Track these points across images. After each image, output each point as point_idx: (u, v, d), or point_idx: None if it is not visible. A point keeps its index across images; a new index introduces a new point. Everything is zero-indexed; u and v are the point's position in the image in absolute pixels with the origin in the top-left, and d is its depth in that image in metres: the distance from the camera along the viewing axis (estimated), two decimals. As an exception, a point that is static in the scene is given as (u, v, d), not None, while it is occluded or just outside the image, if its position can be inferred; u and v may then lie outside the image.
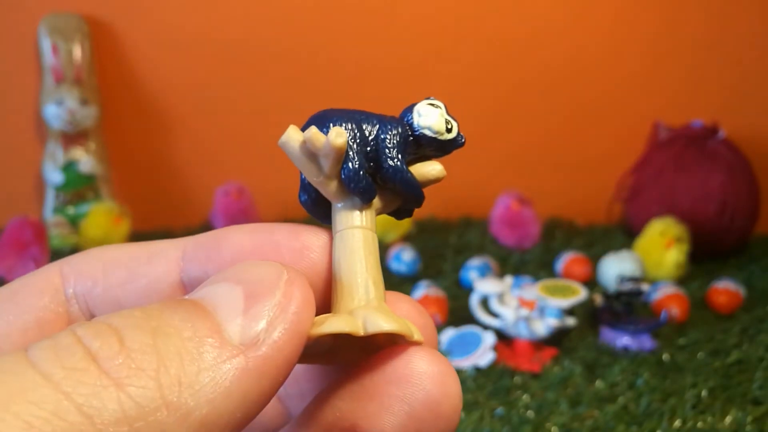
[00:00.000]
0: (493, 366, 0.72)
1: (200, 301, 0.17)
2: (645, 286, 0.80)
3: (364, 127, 0.21)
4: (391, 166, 0.21)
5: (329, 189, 0.21)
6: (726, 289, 0.86)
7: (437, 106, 0.22)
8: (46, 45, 0.98)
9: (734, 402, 0.66)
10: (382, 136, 0.21)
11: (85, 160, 1.00)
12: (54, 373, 0.14)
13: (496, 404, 0.66)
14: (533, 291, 0.75)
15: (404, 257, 0.93)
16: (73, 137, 1.00)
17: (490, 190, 1.07)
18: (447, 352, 0.74)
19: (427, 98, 0.23)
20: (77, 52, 0.99)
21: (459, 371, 0.71)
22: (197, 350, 0.16)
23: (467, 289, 0.87)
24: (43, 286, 0.21)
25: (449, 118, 0.22)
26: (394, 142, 0.21)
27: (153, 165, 1.11)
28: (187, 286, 0.21)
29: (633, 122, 1.12)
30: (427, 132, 0.22)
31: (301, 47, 1.09)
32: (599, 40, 1.13)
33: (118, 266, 0.21)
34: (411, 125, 0.22)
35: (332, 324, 0.19)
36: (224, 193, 1.00)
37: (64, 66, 0.98)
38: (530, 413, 0.64)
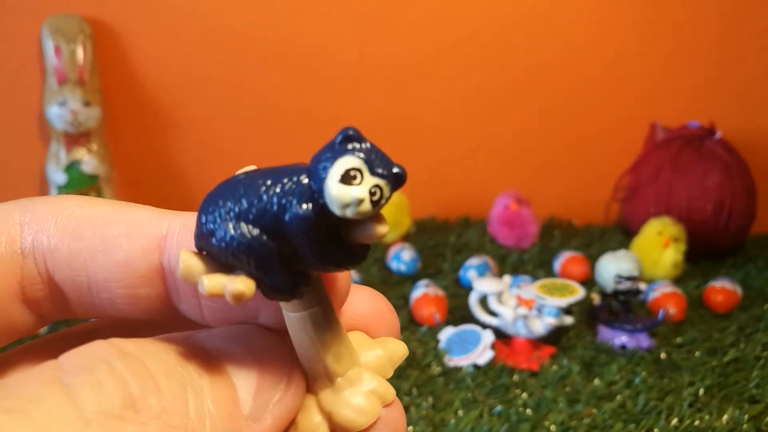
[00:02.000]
0: (491, 364, 0.72)
1: (224, 367, 0.18)
2: (642, 286, 0.80)
3: (257, 192, 0.17)
4: (293, 215, 0.17)
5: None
6: (723, 288, 0.86)
7: (352, 170, 0.17)
8: (49, 46, 0.98)
9: (731, 400, 0.67)
10: (278, 190, 0.17)
11: (88, 160, 1.00)
12: (92, 420, 0.15)
13: (495, 402, 0.66)
14: (531, 290, 0.75)
15: (404, 257, 0.93)
16: (75, 138, 1.00)
17: (488, 191, 1.07)
18: (446, 351, 0.74)
19: (345, 140, 0.17)
20: (80, 53, 0.99)
21: (458, 369, 0.72)
22: (221, 417, 0.17)
23: (466, 288, 0.87)
24: None
25: (372, 186, 0.17)
26: (294, 191, 0.17)
27: (155, 165, 1.11)
28: (167, 272, 0.19)
29: (630, 123, 1.13)
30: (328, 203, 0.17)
31: (303, 48, 1.09)
32: (598, 41, 1.13)
33: (90, 230, 0.19)
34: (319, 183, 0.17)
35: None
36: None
37: (66, 67, 0.98)
38: (528, 411, 0.65)
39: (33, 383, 0.15)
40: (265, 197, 0.17)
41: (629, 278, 0.79)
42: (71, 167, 1.00)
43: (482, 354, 0.73)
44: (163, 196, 1.11)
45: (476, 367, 0.72)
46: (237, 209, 0.17)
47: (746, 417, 0.64)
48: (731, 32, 1.13)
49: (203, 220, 0.18)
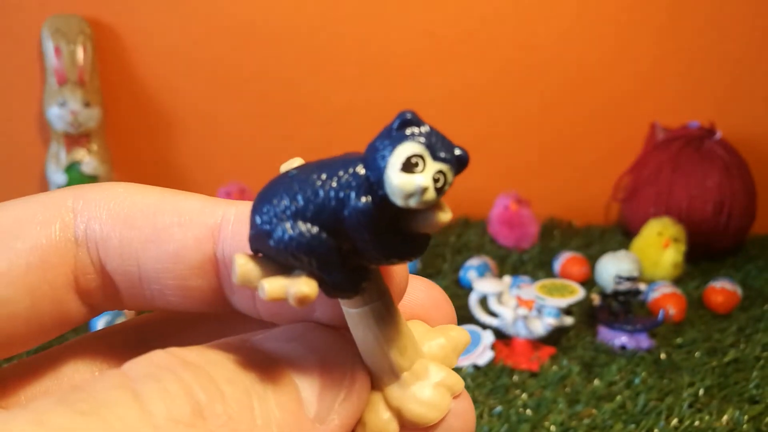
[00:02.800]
0: (491, 365, 0.72)
1: (285, 369, 0.18)
2: (642, 286, 0.80)
3: (313, 188, 0.17)
4: (353, 209, 0.16)
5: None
6: (723, 288, 0.86)
7: (416, 157, 0.16)
8: (49, 47, 0.98)
9: (731, 401, 0.67)
10: (334, 184, 0.16)
11: (88, 161, 1.00)
12: (162, 426, 0.15)
13: (495, 403, 0.66)
14: (531, 291, 0.75)
15: (403, 257, 0.93)
16: (75, 138, 1.00)
17: (488, 191, 1.07)
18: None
19: (407, 126, 0.16)
20: (80, 53, 0.99)
21: (458, 370, 0.72)
22: (287, 422, 0.17)
23: (466, 289, 0.87)
24: (50, 220, 0.18)
25: (439, 174, 0.16)
26: (351, 183, 0.16)
27: (155, 166, 1.11)
28: (221, 264, 0.19)
29: (630, 123, 1.13)
30: (389, 193, 0.16)
31: (302, 49, 1.09)
32: (597, 42, 1.13)
33: (142, 218, 0.19)
34: (378, 171, 0.16)
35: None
36: (226, 193, 1.00)
37: (67, 68, 0.98)
38: (528, 412, 0.65)
39: (103, 388, 0.15)
40: (321, 192, 0.16)
41: (629, 279, 0.79)
42: (71, 168, 1.00)
43: (482, 354, 0.73)
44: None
45: (476, 367, 0.72)
46: (293, 207, 0.16)
47: (746, 417, 0.64)
48: (731, 32, 1.13)
49: (258, 221, 0.17)
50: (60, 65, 0.98)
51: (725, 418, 0.64)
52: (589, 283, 0.91)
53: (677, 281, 0.91)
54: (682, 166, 1.00)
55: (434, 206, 0.17)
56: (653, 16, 1.13)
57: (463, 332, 0.21)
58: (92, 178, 1.01)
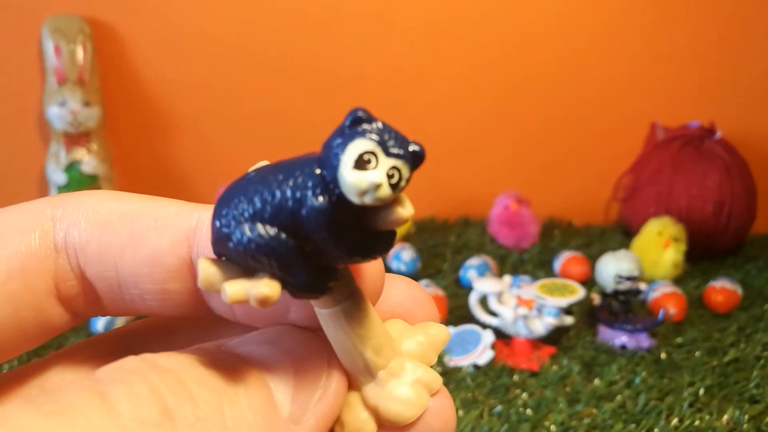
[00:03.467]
0: (491, 364, 0.72)
1: (258, 371, 0.18)
2: (642, 286, 0.80)
3: (269, 189, 0.17)
4: (310, 209, 0.16)
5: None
6: (723, 288, 0.86)
7: (366, 154, 0.16)
8: (49, 46, 0.98)
9: (731, 400, 0.67)
10: (291, 184, 0.16)
11: (88, 160, 1.00)
12: (129, 427, 0.15)
13: (495, 402, 0.66)
14: (531, 290, 0.75)
15: (404, 257, 0.93)
16: (75, 138, 1.00)
17: (488, 191, 1.07)
18: (446, 351, 0.74)
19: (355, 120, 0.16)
20: (80, 53, 0.99)
21: (458, 369, 0.71)
22: (259, 423, 0.17)
23: (466, 289, 0.87)
24: (30, 227, 0.19)
25: (392, 169, 0.16)
26: (307, 183, 0.16)
27: (155, 165, 1.11)
28: (196, 266, 0.19)
29: (630, 123, 1.13)
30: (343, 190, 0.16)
31: (302, 48, 1.09)
32: (597, 40, 1.13)
33: (119, 224, 0.19)
34: (332, 170, 0.16)
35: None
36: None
37: (66, 67, 0.98)
38: (528, 411, 0.65)
39: (71, 391, 0.15)
40: (278, 193, 0.16)
41: (629, 278, 0.79)
42: (71, 167, 1.00)
43: (482, 354, 0.73)
44: (163, 196, 1.11)
45: (476, 367, 0.72)
46: (251, 209, 0.16)
47: (746, 417, 0.64)
48: (731, 32, 1.13)
49: (217, 224, 0.17)
50: (60, 65, 0.98)
51: (725, 417, 0.64)
52: (589, 282, 0.91)
53: (677, 281, 0.91)
54: (683, 165, 1.00)
55: (394, 202, 0.17)
56: (653, 14, 1.13)
57: (442, 329, 0.21)
58: (92, 178, 1.01)
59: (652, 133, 1.07)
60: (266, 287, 0.16)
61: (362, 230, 0.17)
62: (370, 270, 0.20)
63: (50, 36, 0.98)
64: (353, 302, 0.18)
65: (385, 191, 0.16)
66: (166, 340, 0.22)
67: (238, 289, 0.16)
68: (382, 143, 0.16)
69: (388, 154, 0.16)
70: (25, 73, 1.02)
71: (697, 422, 0.63)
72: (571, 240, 1.06)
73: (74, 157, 1.00)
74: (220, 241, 0.17)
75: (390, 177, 0.16)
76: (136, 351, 0.19)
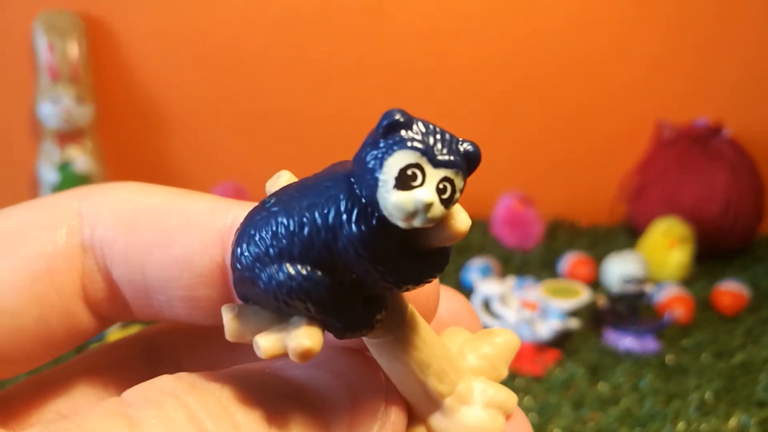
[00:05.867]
0: (494, 368, 0.72)
1: (310, 398, 0.16)
2: (649, 287, 0.79)
3: (295, 220, 0.14)
4: (348, 240, 0.14)
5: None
6: (730, 290, 0.85)
7: (415, 168, 0.13)
8: (42, 43, 0.97)
9: (738, 404, 0.66)
10: (321, 212, 0.14)
11: (81, 159, 0.99)
12: None
13: (498, 407, 0.65)
14: (536, 292, 0.74)
15: (405, 258, 0.92)
16: (68, 136, 0.99)
17: (491, 191, 1.06)
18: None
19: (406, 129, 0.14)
20: (73, 49, 0.98)
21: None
22: None
23: (469, 291, 0.86)
24: (56, 224, 0.17)
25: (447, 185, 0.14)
26: (339, 208, 0.14)
27: (149, 164, 1.10)
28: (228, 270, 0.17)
29: (636, 121, 1.12)
30: (386, 213, 0.14)
31: (299, 45, 1.08)
32: (602, 38, 1.12)
33: (147, 221, 0.17)
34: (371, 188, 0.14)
35: None
36: (221, 192, 0.99)
37: (59, 64, 0.97)
38: (533, 416, 0.64)
39: (95, 416, 0.14)
40: (306, 223, 0.14)
41: (636, 280, 0.79)
42: (64, 166, 0.99)
43: (485, 357, 0.72)
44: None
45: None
46: (277, 247, 0.14)
47: (754, 420, 0.63)
48: (739, 28, 1.12)
49: (239, 266, 0.15)
50: (53, 61, 0.97)
51: (733, 421, 0.63)
52: (594, 284, 0.90)
53: (684, 282, 0.90)
54: (689, 165, 0.99)
55: (447, 217, 0.14)
56: (659, 11, 1.12)
57: (509, 336, 0.19)
58: (85, 177, 1.00)
59: (659, 132, 1.06)
60: (306, 338, 0.14)
61: (411, 253, 0.14)
62: (422, 289, 0.17)
63: (43, 32, 0.97)
64: (408, 327, 0.16)
65: (438, 210, 0.13)
66: (195, 347, 0.20)
67: (273, 344, 0.14)
68: (427, 152, 0.14)
69: (436, 164, 0.14)
70: (17, 70, 1.01)
71: (703, 426, 0.62)
72: (575, 241, 1.05)
73: (67, 156, 0.99)
74: (244, 284, 0.15)
75: (442, 192, 0.13)
76: (162, 358, 0.18)
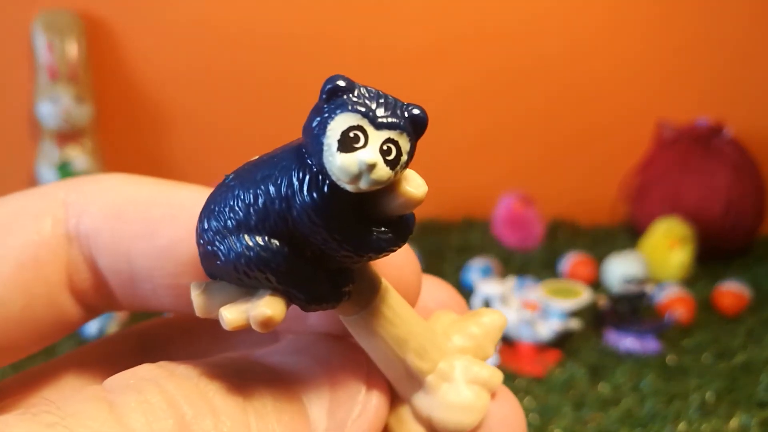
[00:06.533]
0: (495, 368, 0.71)
1: (290, 384, 0.16)
2: (649, 288, 0.79)
3: (251, 192, 0.14)
4: (301, 207, 0.14)
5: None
6: (731, 290, 0.85)
7: (355, 130, 0.13)
8: (41, 42, 0.97)
9: (739, 405, 0.66)
10: (274, 182, 0.14)
11: (81, 159, 0.99)
12: None
13: (499, 407, 0.65)
14: (536, 293, 0.74)
15: (405, 258, 0.92)
16: (68, 136, 0.99)
17: (492, 191, 1.06)
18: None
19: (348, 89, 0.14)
20: (72, 49, 0.98)
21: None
22: None
23: (469, 291, 0.86)
24: (41, 214, 0.17)
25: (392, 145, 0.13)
26: (292, 178, 0.14)
27: (149, 163, 1.10)
28: None
29: (637, 121, 1.12)
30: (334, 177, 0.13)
31: (297, 46, 1.08)
32: (603, 38, 1.12)
33: (133, 212, 0.17)
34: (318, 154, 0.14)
35: None
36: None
37: (59, 63, 0.97)
38: (533, 416, 0.64)
39: (76, 400, 0.14)
40: (261, 195, 0.14)
41: (637, 281, 0.78)
42: (63, 166, 0.99)
43: (485, 358, 0.72)
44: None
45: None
46: (234, 219, 0.14)
47: (755, 421, 0.63)
48: (741, 26, 1.12)
49: (201, 242, 0.15)
50: (52, 61, 0.97)
51: (734, 422, 0.63)
52: (595, 284, 0.90)
53: (685, 282, 0.90)
54: (690, 165, 0.99)
55: (399, 182, 0.14)
56: (661, 11, 1.12)
57: (496, 315, 0.19)
58: (84, 177, 1.00)
59: (659, 132, 1.06)
60: (267, 307, 0.14)
61: (369, 221, 0.14)
62: (399, 267, 0.18)
63: (42, 32, 0.97)
64: (381, 302, 0.16)
65: (382, 171, 0.13)
66: (187, 341, 0.20)
67: (236, 315, 0.14)
68: (368, 114, 0.14)
69: (378, 126, 0.14)
70: (16, 70, 1.01)
71: (704, 427, 0.62)
72: (576, 241, 1.05)
73: (66, 156, 0.99)
74: (207, 259, 0.15)
75: (386, 153, 0.13)
76: (154, 352, 0.18)
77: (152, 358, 0.16)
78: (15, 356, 0.17)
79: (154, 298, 0.18)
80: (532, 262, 0.97)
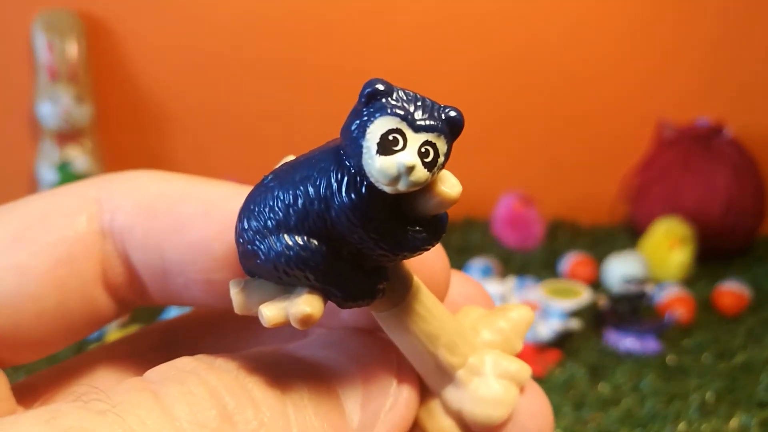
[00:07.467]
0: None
1: (324, 377, 0.17)
2: (649, 288, 0.79)
3: (290, 193, 0.15)
4: (340, 208, 0.14)
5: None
6: (731, 290, 0.85)
7: (396, 133, 0.14)
8: (41, 42, 0.97)
9: (739, 405, 0.66)
10: (313, 183, 0.15)
11: (81, 159, 0.99)
12: (187, 430, 0.14)
13: (498, 407, 0.65)
14: (536, 293, 0.74)
15: (406, 258, 0.92)
16: (68, 136, 0.99)
17: (492, 190, 1.06)
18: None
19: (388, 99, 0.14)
20: (72, 49, 0.98)
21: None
22: None
23: (469, 291, 0.86)
24: (76, 211, 0.18)
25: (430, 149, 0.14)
26: (331, 179, 0.14)
27: (148, 164, 1.09)
28: None
29: (637, 121, 1.12)
30: (373, 180, 0.14)
31: (298, 46, 1.08)
32: (603, 38, 1.12)
33: (165, 208, 0.18)
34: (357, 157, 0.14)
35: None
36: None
37: (59, 63, 0.97)
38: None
39: (122, 390, 0.14)
40: (300, 195, 0.14)
41: (637, 281, 0.78)
42: (63, 166, 0.99)
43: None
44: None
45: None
46: (274, 219, 0.15)
47: (755, 421, 0.63)
48: (740, 27, 1.12)
49: (241, 240, 0.15)
50: (52, 61, 0.97)
51: (734, 422, 0.63)
52: (595, 284, 0.90)
53: (685, 282, 0.90)
54: (691, 165, 0.99)
55: (435, 183, 0.14)
56: (661, 10, 1.12)
57: (524, 310, 0.19)
58: (84, 177, 0.98)
59: (660, 132, 1.06)
60: (306, 305, 0.15)
61: (404, 220, 0.15)
62: (431, 264, 0.18)
63: (42, 32, 0.97)
64: (413, 299, 0.16)
65: (421, 173, 0.14)
66: (213, 337, 0.21)
67: (275, 312, 0.15)
68: (407, 117, 0.14)
69: (416, 128, 0.14)
70: (16, 70, 1.01)
71: (704, 427, 0.62)
72: (576, 241, 1.04)
73: (66, 156, 0.99)
74: (247, 258, 0.15)
75: (424, 155, 0.14)
76: (181, 347, 0.19)
77: (177, 354, 0.16)
78: (49, 350, 0.18)
79: (186, 293, 0.18)
80: (532, 262, 0.97)
